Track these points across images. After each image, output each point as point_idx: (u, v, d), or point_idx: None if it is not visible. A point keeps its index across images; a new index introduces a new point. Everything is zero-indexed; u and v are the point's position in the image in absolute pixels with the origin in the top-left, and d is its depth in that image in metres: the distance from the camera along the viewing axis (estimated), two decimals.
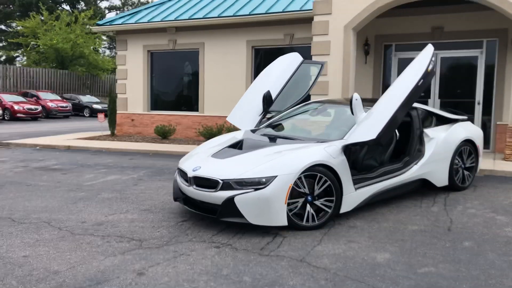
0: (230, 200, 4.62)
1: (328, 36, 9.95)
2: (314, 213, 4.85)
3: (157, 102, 14.57)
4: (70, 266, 3.84)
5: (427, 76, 5.18)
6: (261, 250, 4.27)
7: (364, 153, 5.89)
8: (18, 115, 25.89)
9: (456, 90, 10.85)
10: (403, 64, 10.85)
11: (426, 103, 10.89)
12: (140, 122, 14.55)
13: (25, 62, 41.58)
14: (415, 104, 6.44)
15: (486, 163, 8.48)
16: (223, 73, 13.19)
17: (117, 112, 14.46)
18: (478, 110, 10.63)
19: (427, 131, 6.23)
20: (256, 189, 4.59)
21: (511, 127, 8.84)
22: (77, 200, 6.17)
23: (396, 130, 6.25)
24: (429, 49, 5.37)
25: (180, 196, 5.35)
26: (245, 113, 6.66)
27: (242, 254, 4.15)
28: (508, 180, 7.47)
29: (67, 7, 49.66)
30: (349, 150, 5.24)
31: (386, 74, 11.36)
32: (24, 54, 41.86)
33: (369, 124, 5.01)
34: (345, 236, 4.67)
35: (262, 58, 12.87)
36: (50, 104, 28.88)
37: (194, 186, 4.97)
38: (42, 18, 37.23)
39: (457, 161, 6.47)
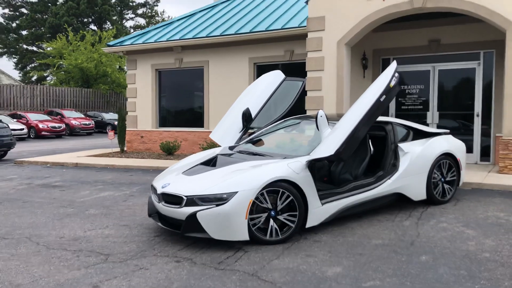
0: (192, 216, 4.80)
1: (322, 52, 10.10)
2: (277, 228, 4.98)
3: (165, 119, 14.96)
4: (33, 280, 4.09)
5: (389, 91, 5.27)
6: (219, 264, 4.42)
7: (336, 168, 6.00)
8: (43, 133, 26.86)
9: (455, 102, 10.79)
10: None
11: (424, 116, 10.86)
12: (149, 138, 14.95)
13: (52, 82, 43.17)
14: (390, 119, 6.51)
15: (477, 176, 8.40)
16: (227, 90, 13.47)
17: (127, 129, 14.91)
18: (478, 122, 10.53)
19: (402, 145, 6.28)
20: (217, 205, 4.76)
21: (505, 139, 8.74)
22: (64, 216, 6.47)
23: (371, 145, 6.34)
24: (393, 65, 5.46)
25: (153, 212, 5.56)
26: (226, 130, 6.87)
27: (199, 268, 4.31)
28: (493, 194, 7.40)
29: (94, 27, 51.48)
30: (314, 166, 5.35)
31: None
32: (52, 73, 43.47)
33: (330, 141, 5.14)
34: (306, 250, 4.77)
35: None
36: (73, 122, 29.89)
37: (163, 203, 5.18)
38: (69, 38, 38.70)
39: (435, 175, 6.48)
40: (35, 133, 27.29)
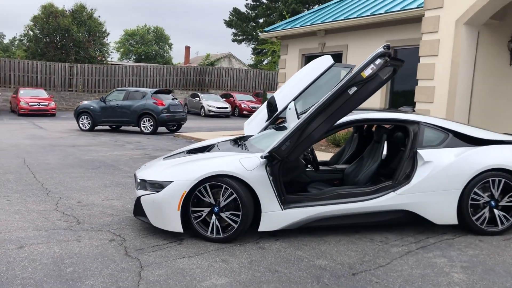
0: (138, 199, 4.89)
1: (438, 33, 8.45)
2: (219, 225, 4.65)
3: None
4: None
5: (362, 82, 4.22)
6: (138, 250, 4.42)
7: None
8: (244, 112, 29.58)
9: None
10: None
11: None
12: None
13: (267, 66, 46.81)
14: (420, 117, 5.16)
15: None
16: None
17: None
18: None
19: (424, 152, 4.91)
20: (157, 192, 4.73)
21: None
22: (112, 182, 7.31)
23: (385, 149, 5.19)
24: (377, 50, 4.32)
25: None
26: (255, 119, 6.56)
27: (115, 249, 4.40)
28: None
29: None
30: (278, 164, 4.72)
31: None
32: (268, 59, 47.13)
33: (280, 137, 4.45)
34: (232, 255, 4.33)
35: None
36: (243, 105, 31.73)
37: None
38: None
39: (478, 195, 4.88)
40: (239, 112, 30.33)
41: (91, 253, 4.29)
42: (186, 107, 31.75)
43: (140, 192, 4.90)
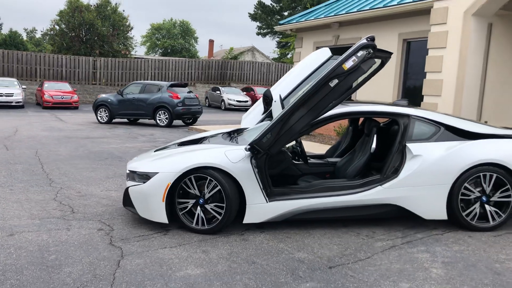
0: (126, 190, 4.98)
1: (446, 25, 8.25)
2: (204, 216, 4.70)
3: None
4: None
5: (344, 75, 4.17)
6: (123, 240, 4.51)
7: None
8: None
9: None
10: None
11: None
12: None
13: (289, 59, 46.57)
14: (410, 110, 5.06)
15: None
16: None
17: None
18: None
19: (413, 145, 4.82)
20: (143, 183, 4.80)
21: None
22: (115, 173, 7.45)
23: (374, 142, 5.13)
24: (360, 42, 4.25)
25: None
26: (252, 111, 6.56)
27: (101, 238, 4.51)
28: None
29: None
30: (263, 157, 4.72)
31: None
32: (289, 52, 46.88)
33: (262, 129, 4.45)
34: (203, 247, 4.35)
35: (414, 52, 11.45)
36: None
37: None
38: None
39: (468, 190, 4.77)
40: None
41: (77, 242, 4.40)
42: (207, 100, 31.99)
43: (129, 183, 4.99)
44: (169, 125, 16.40)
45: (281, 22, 15.88)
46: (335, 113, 5.07)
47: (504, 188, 4.79)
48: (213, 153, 4.73)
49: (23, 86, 25.88)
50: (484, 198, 4.79)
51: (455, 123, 5.01)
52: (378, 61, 5.17)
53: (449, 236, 4.73)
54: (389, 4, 11.40)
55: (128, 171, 5.07)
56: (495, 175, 4.75)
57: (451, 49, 8.15)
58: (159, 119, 16.42)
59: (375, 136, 5.12)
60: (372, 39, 4.29)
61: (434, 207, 4.80)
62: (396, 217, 5.15)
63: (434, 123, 4.99)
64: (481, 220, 4.84)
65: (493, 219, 4.82)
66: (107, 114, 17.05)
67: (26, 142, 11.22)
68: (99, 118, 17.20)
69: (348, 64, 4.15)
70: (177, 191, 4.72)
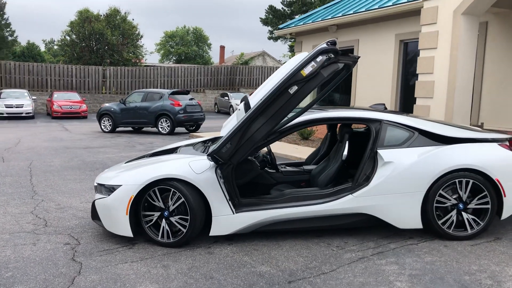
0: (93, 203, 4.90)
1: (437, 25, 8.02)
2: (169, 229, 4.59)
3: (322, 100, 14.53)
4: None
5: (303, 81, 4.02)
6: (86, 254, 4.42)
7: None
8: None
9: None
10: None
11: None
12: None
13: None
14: (382, 115, 4.87)
15: None
16: (372, 72, 12.12)
17: None
18: None
19: (384, 151, 4.63)
20: (108, 196, 4.72)
21: None
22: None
23: (346, 149, 4.96)
24: (319, 46, 4.10)
25: None
26: (232, 118, 6.43)
27: (64, 253, 4.43)
28: None
29: None
30: (230, 167, 4.59)
31: None
32: None
33: (221, 138, 4.33)
34: (165, 261, 4.23)
35: (411, 53, 11.21)
36: None
37: None
38: None
39: (443, 198, 4.57)
40: None
41: (39, 257, 4.33)
42: (216, 106, 31.98)
43: (97, 196, 4.91)
44: (171, 133, 16.39)
45: (280, 26, 15.76)
46: (304, 120, 4.92)
47: (482, 195, 4.57)
48: (176, 164, 4.63)
49: (33, 97, 26.27)
50: (461, 206, 4.58)
51: (430, 127, 4.81)
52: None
53: (424, 246, 4.53)
54: (384, 5, 11.19)
55: (95, 184, 5.00)
56: (471, 181, 4.54)
57: (442, 50, 7.91)
58: (161, 127, 16.43)
59: (347, 142, 4.95)
60: (333, 43, 4.14)
61: (408, 216, 4.60)
62: (372, 227, 4.97)
63: (408, 128, 4.80)
64: (458, 229, 4.63)
65: (471, 227, 4.60)
66: (111, 123, 17.13)
67: (24, 153, 11.30)
68: (102, 127, 17.30)
69: (307, 70, 4.01)
70: (142, 203, 4.62)
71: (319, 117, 5.00)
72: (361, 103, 12.49)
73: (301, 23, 14.43)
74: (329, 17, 13.19)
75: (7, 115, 23.46)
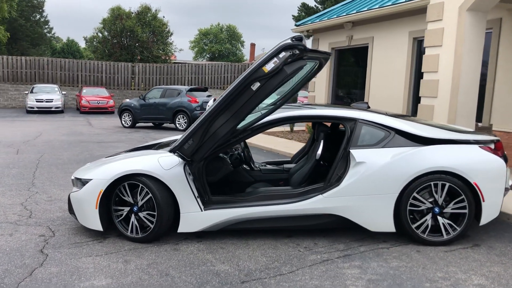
0: (69, 197, 4.98)
1: (442, 21, 7.72)
2: (137, 225, 4.61)
3: (337, 99, 14.30)
4: None
5: (266, 78, 3.92)
6: (56, 247, 4.50)
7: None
8: None
9: None
10: None
11: None
12: None
13: None
14: (358, 114, 4.71)
15: None
16: (386, 70, 11.82)
17: None
18: None
19: (356, 152, 4.48)
20: (80, 189, 4.77)
21: None
22: None
23: (320, 149, 4.83)
24: (282, 42, 3.98)
25: None
26: None
27: (35, 245, 4.52)
28: None
29: None
30: (200, 164, 4.56)
31: None
32: None
33: (184, 135, 4.30)
34: (128, 256, 4.24)
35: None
36: None
37: None
38: None
39: (417, 201, 4.38)
40: None
41: (9, 248, 4.42)
42: None
43: (73, 189, 4.98)
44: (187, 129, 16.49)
45: (297, 23, 15.59)
46: (277, 118, 4.82)
47: (459, 199, 4.36)
48: (145, 160, 4.63)
49: (63, 92, 27.02)
50: (436, 210, 4.39)
51: (408, 127, 4.62)
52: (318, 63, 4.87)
53: (395, 250, 4.36)
54: (397, 2, 10.87)
55: (72, 178, 5.07)
56: (447, 184, 4.34)
57: (447, 47, 7.60)
58: (178, 123, 16.57)
59: (322, 142, 4.82)
60: (299, 39, 4.02)
61: (380, 218, 4.44)
62: (348, 229, 4.83)
63: (384, 127, 4.63)
64: (434, 233, 4.44)
65: (447, 232, 4.40)
66: (131, 118, 17.42)
67: (39, 146, 11.62)
68: (123, 122, 17.61)
69: (269, 67, 3.91)
70: (113, 198, 4.65)
71: (293, 115, 4.89)
72: (374, 101, 12.19)
73: (317, 20, 14.22)
74: (344, 14, 12.94)
75: (37, 109, 24.24)
